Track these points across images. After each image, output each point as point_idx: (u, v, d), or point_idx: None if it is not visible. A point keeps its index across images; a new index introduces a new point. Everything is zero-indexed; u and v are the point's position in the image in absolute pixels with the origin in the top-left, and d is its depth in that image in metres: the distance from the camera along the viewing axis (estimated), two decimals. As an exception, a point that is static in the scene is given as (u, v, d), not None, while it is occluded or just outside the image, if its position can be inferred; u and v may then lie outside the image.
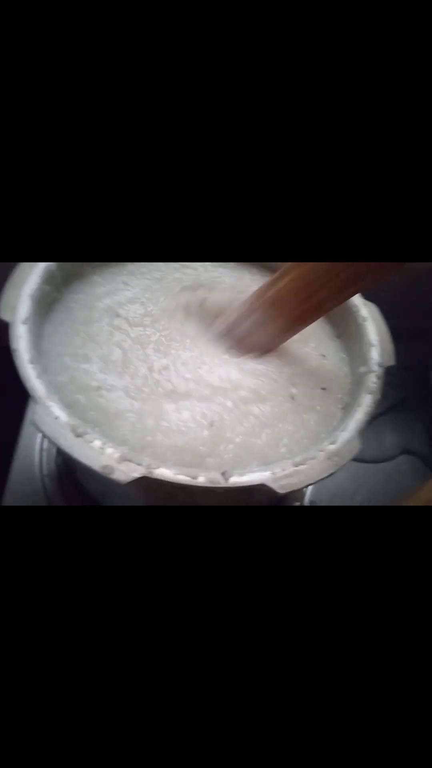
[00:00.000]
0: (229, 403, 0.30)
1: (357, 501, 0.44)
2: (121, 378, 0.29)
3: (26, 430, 0.44)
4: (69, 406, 0.27)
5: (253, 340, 0.31)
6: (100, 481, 0.23)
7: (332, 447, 0.26)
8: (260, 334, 0.31)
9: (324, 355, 0.34)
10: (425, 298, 0.51)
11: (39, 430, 0.24)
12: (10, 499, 0.39)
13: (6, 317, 0.28)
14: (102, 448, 0.24)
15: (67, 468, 0.40)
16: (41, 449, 0.43)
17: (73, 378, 0.29)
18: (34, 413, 0.24)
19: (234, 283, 0.37)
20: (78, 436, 0.24)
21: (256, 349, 0.32)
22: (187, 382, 0.30)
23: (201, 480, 0.24)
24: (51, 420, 0.24)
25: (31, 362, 0.26)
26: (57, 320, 0.33)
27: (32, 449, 0.43)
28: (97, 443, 0.24)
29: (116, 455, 0.24)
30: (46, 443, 0.43)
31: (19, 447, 0.43)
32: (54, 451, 0.42)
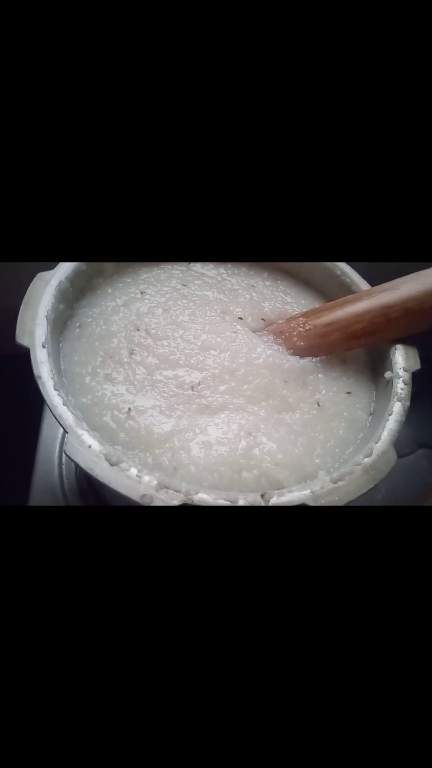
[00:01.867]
0: (262, 413, 0.29)
1: (378, 498, 0.44)
2: (148, 397, 0.28)
3: (44, 440, 0.44)
4: (97, 429, 0.27)
5: (298, 347, 0.33)
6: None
7: (368, 461, 0.26)
8: (307, 350, 0.33)
9: (344, 360, 0.34)
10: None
11: (72, 460, 0.23)
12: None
13: (25, 342, 0.27)
14: (139, 476, 0.23)
15: (90, 485, 0.40)
16: (60, 463, 0.42)
17: (98, 399, 0.28)
18: (65, 442, 0.24)
19: (261, 290, 0.37)
20: (113, 465, 0.23)
21: (298, 353, 0.33)
22: (223, 389, 0.30)
23: (241, 503, 0.23)
24: (84, 449, 0.24)
25: (56, 389, 0.26)
26: (72, 337, 0.32)
27: (52, 464, 0.42)
28: (133, 471, 0.23)
29: (154, 482, 0.23)
30: (65, 457, 0.42)
31: (38, 457, 0.43)
32: (74, 465, 0.41)
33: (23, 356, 0.27)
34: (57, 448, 0.43)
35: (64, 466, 0.42)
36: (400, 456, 0.48)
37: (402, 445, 0.49)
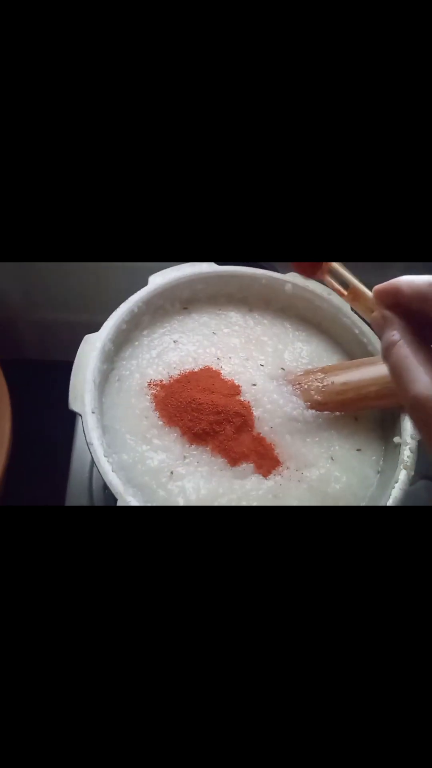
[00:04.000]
0: (286, 472, 0.33)
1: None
2: (180, 459, 0.32)
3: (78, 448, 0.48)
4: (139, 487, 0.31)
5: (314, 400, 0.36)
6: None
7: (375, 529, 0.30)
8: (323, 405, 0.36)
9: (356, 418, 0.37)
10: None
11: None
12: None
13: (77, 409, 0.31)
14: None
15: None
16: (91, 485, 0.47)
17: (137, 458, 0.32)
18: (116, 504, 0.28)
19: (283, 339, 0.40)
20: (156, 530, 0.27)
21: (314, 407, 0.36)
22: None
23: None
24: (131, 515, 0.28)
25: (106, 455, 0.30)
26: (112, 391, 0.35)
27: (84, 486, 0.47)
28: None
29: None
30: (95, 480, 0.47)
31: (71, 473, 0.47)
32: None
33: (55, 363, 0.29)
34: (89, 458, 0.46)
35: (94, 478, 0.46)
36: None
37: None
